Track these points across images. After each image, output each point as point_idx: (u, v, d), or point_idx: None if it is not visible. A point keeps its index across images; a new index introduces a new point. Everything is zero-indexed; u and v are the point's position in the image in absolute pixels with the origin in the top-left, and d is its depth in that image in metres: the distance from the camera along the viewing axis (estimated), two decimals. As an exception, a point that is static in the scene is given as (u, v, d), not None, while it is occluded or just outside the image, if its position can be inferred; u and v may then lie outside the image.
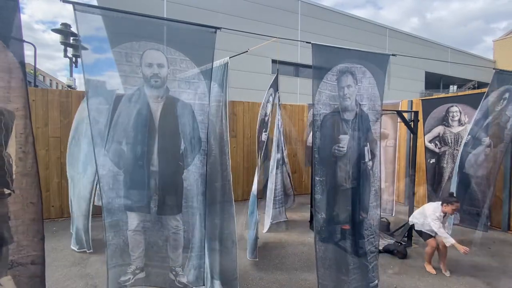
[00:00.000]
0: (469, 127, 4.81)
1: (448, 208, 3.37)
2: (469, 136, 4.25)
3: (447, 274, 3.42)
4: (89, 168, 3.84)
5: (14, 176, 1.86)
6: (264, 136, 4.23)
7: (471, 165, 4.38)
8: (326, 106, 3.05)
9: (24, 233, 1.92)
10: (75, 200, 3.99)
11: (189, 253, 2.63)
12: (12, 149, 1.84)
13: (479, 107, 4.08)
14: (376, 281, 2.92)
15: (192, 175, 2.58)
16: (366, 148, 3.03)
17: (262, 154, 4.18)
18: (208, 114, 2.60)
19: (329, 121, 3.00)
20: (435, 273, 3.44)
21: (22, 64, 1.83)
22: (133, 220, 2.52)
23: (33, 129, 1.93)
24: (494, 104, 4.15)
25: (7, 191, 1.84)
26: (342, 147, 2.95)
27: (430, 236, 3.54)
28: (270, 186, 4.69)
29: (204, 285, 2.65)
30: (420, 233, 3.68)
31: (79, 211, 3.89)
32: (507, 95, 4.13)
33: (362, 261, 2.89)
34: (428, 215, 3.48)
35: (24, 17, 2.05)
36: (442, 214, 3.42)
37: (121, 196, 2.43)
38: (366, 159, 3.01)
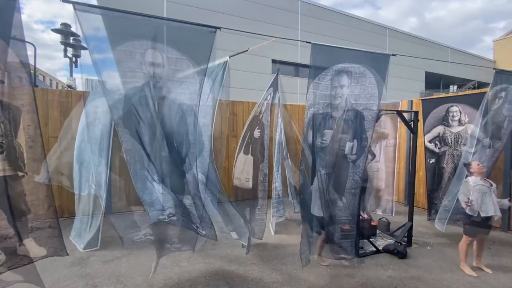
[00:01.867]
0: (469, 127, 4.80)
1: (474, 169, 3.43)
2: (474, 138, 4.21)
3: (490, 271, 3.44)
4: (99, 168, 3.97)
5: (26, 161, 2.19)
6: (256, 133, 4.26)
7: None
8: (317, 105, 3.18)
9: (39, 206, 2.32)
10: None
11: (201, 223, 2.98)
12: (21, 139, 2.15)
13: (482, 108, 4.06)
14: (350, 256, 3.39)
15: (191, 173, 2.83)
16: (350, 143, 3.31)
17: (259, 152, 4.23)
18: (212, 116, 2.71)
19: (318, 118, 3.30)
20: (475, 275, 3.35)
21: (25, 63, 1.94)
22: (158, 187, 2.89)
23: (40, 122, 2.20)
24: (491, 103, 4.13)
25: (20, 174, 2.19)
26: (325, 140, 3.29)
27: (471, 229, 3.41)
28: (277, 186, 4.69)
29: (217, 240, 3.06)
30: (470, 222, 3.43)
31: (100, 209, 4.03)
32: (503, 94, 4.13)
33: (332, 233, 3.34)
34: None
35: (23, 17, 2.11)
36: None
37: (145, 168, 2.71)
38: (346, 152, 3.31)
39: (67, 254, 2.50)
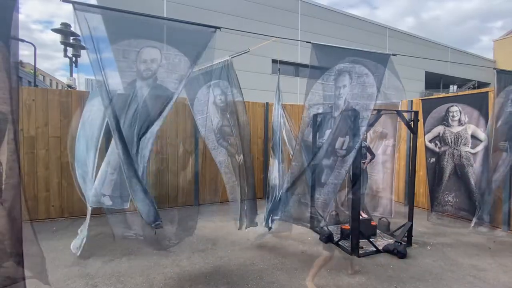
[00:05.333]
0: (469, 127, 4.80)
1: None
2: (477, 139, 4.20)
3: None
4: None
5: (3, 186, 1.65)
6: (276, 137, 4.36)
7: (489, 170, 4.32)
8: (320, 106, 3.20)
9: (5, 251, 1.70)
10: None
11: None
12: (3, 156, 1.66)
13: (496, 109, 4.05)
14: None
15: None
16: (341, 139, 3.41)
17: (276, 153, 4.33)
18: (243, 116, 2.73)
19: (321, 119, 3.38)
20: None
21: (16, 64, 1.76)
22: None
23: (18, 133, 1.76)
24: (504, 106, 4.12)
25: None
26: (324, 140, 3.41)
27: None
28: (275, 184, 4.70)
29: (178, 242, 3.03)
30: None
31: None
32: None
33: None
34: None
35: (21, 17, 2.08)
36: None
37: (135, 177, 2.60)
38: (337, 146, 3.44)
39: None
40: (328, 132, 3.35)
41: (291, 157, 5.92)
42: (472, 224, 4.49)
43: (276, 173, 4.33)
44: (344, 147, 3.40)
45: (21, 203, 1.76)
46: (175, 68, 2.57)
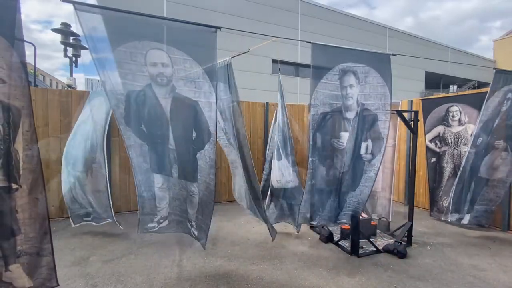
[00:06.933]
0: (469, 127, 4.80)
1: None
2: (480, 138, 4.16)
3: None
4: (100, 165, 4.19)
5: (21, 172, 1.96)
6: (277, 137, 4.34)
7: (487, 168, 4.31)
8: (326, 105, 3.17)
9: (31, 226, 2.03)
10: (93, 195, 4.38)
11: (200, 216, 3.02)
12: (19, 145, 1.95)
13: (484, 107, 4.03)
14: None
15: (204, 158, 2.91)
16: (364, 144, 3.42)
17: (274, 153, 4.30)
18: (216, 111, 2.76)
19: (330, 119, 3.30)
20: None
21: (24, 63, 1.88)
22: (158, 180, 2.98)
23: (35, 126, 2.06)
24: (500, 105, 4.12)
25: (14, 186, 1.95)
26: (342, 142, 3.38)
27: None
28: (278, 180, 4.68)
29: (206, 242, 3.06)
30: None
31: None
32: (510, 95, 4.12)
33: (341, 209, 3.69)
34: None
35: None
36: None
37: (148, 161, 2.84)
38: (362, 152, 3.44)
39: (58, 285, 2.19)
40: (343, 134, 3.36)
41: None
42: (448, 217, 4.42)
43: (288, 176, 4.16)
44: (369, 152, 3.46)
45: (44, 185, 2.06)
46: (190, 77, 2.64)
